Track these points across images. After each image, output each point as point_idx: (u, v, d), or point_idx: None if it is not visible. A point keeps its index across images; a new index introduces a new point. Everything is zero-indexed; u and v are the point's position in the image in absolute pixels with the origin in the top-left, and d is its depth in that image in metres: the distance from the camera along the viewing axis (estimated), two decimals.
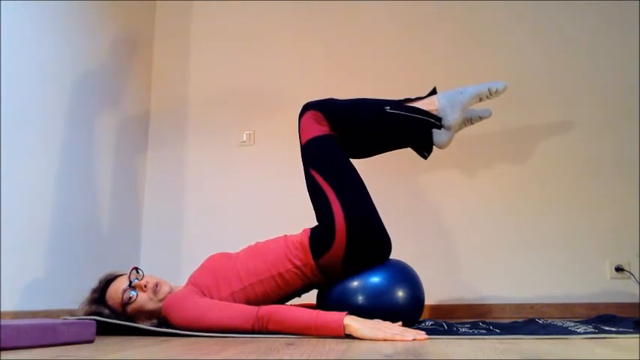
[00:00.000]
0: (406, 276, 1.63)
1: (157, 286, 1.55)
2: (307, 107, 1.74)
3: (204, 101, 2.86)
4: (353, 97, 1.80)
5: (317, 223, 1.66)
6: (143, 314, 1.53)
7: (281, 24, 2.88)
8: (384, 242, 1.65)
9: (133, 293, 1.52)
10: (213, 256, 1.72)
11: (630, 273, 2.36)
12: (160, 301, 1.54)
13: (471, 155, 2.58)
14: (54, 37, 2.16)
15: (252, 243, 1.74)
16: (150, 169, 2.82)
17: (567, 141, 2.55)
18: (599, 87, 2.57)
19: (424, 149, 1.77)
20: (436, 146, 1.78)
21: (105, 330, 1.46)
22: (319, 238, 1.60)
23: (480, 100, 1.77)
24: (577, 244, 2.43)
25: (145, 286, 1.54)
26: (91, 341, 1.26)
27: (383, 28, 2.79)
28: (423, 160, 1.81)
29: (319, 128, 1.70)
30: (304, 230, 1.67)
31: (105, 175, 2.46)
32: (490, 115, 1.86)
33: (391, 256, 1.70)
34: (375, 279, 1.60)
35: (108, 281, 1.58)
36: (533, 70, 2.63)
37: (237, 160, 2.75)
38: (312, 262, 1.58)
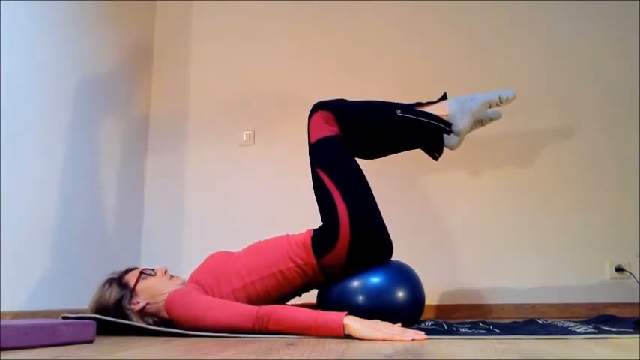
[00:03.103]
0: (406, 276, 1.64)
1: (171, 276, 1.65)
2: (317, 107, 1.74)
3: (204, 101, 2.86)
4: (363, 99, 1.80)
5: (318, 225, 1.67)
6: (149, 293, 1.56)
7: (281, 24, 2.88)
8: (386, 244, 1.66)
9: (151, 271, 1.62)
10: (214, 254, 1.73)
11: (630, 273, 2.36)
12: (172, 285, 1.58)
13: (471, 157, 2.57)
14: (54, 37, 2.16)
15: (253, 242, 1.74)
16: (150, 169, 2.82)
17: (567, 142, 2.55)
18: (599, 87, 2.57)
19: (435, 150, 1.80)
20: (446, 147, 1.80)
21: (105, 329, 1.46)
22: (322, 237, 1.61)
23: (490, 107, 1.81)
24: (577, 244, 2.43)
25: (165, 272, 1.64)
26: (91, 341, 1.25)
27: (384, 28, 2.79)
28: (428, 161, 1.84)
29: (329, 129, 1.70)
30: (307, 230, 1.68)
31: (105, 175, 2.46)
32: (500, 116, 1.89)
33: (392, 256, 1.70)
34: (376, 279, 1.60)
35: (127, 270, 1.65)
36: (534, 70, 2.63)
37: (237, 160, 2.75)
38: (314, 261, 1.59)
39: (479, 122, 1.86)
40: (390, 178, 2.56)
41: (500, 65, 2.65)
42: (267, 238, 1.73)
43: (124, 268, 1.66)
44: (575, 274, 2.41)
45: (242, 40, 2.89)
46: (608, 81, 2.57)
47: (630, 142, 2.50)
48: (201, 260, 1.72)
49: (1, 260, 1.80)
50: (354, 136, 1.73)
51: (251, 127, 2.77)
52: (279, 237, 1.70)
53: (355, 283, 1.59)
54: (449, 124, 1.75)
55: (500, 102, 1.80)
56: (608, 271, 2.39)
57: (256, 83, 2.83)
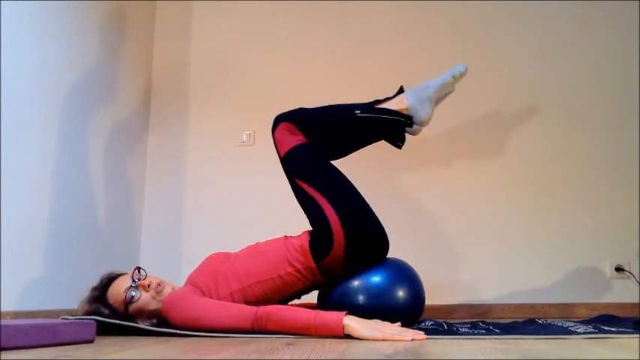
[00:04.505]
0: (407, 275, 1.63)
1: (159, 286, 1.56)
2: (278, 120, 1.74)
3: (204, 101, 2.86)
4: (324, 105, 1.80)
5: None
6: (144, 314, 1.53)
7: (281, 24, 2.88)
8: (382, 239, 1.64)
9: (135, 292, 1.52)
10: (212, 255, 1.72)
11: (630, 273, 2.36)
12: (162, 301, 1.54)
13: (470, 155, 2.57)
14: (54, 36, 2.15)
15: (252, 243, 1.74)
16: (149, 169, 2.82)
17: (567, 141, 2.55)
18: (599, 87, 2.57)
19: (398, 140, 1.79)
20: (410, 134, 1.81)
21: (105, 330, 1.46)
22: (318, 242, 1.59)
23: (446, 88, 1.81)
24: (577, 244, 2.43)
25: (149, 286, 1.54)
26: (90, 341, 1.25)
27: (383, 28, 2.78)
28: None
29: (294, 138, 1.70)
30: (304, 232, 1.67)
31: (105, 175, 2.46)
32: (454, 90, 1.86)
33: (391, 256, 1.70)
34: (376, 279, 1.60)
35: (110, 279, 1.58)
36: (533, 69, 2.63)
37: (237, 160, 2.75)
38: (314, 265, 1.58)
39: (438, 100, 1.86)
40: (388, 177, 2.56)
41: (499, 64, 2.65)
42: (265, 239, 1.73)
43: (106, 277, 1.59)
44: (575, 274, 2.41)
45: (242, 40, 2.89)
46: (608, 80, 2.57)
47: (630, 141, 2.50)
48: (201, 260, 1.72)
49: (1, 260, 1.80)
50: (318, 141, 1.72)
51: (251, 127, 2.77)
52: (277, 239, 1.69)
53: (355, 283, 1.59)
54: (409, 117, 1.75)
55: (455, 80, 1.80)
56: (608, 271, 2.39)
57: (256, 83, 2.83)
